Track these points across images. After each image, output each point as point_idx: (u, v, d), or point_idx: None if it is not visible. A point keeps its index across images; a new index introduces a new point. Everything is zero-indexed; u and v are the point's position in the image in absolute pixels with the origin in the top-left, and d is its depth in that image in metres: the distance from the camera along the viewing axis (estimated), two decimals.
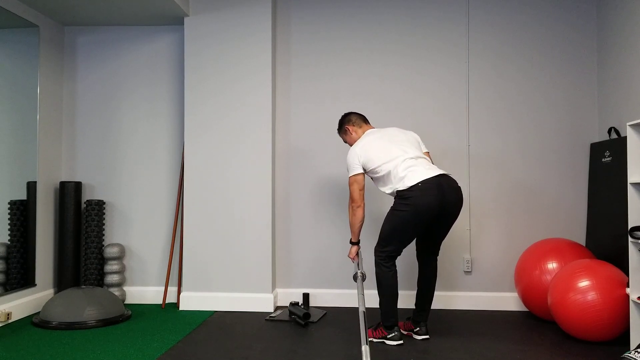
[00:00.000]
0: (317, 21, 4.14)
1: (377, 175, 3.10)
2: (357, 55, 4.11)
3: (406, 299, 3.97)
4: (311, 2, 4.15)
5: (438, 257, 3.35)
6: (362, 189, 3.12)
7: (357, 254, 3.27)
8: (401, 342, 3.06)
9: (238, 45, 4.00)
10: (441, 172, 3.00)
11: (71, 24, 4.27)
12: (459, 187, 3.06)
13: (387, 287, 3.07)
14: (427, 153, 3.26)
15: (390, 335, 3.07)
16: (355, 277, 3.04)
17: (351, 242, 3.26)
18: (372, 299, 3.96)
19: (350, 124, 3.33)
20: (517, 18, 4.04)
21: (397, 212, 2.98)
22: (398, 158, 3.03)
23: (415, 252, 3.29)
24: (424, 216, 2.93)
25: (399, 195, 2.98)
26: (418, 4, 4.09)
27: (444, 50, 4.07)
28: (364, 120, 3.36)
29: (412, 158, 3.03)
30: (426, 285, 3.21)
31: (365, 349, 2.36)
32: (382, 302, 3.08)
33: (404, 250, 3.16)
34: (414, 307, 3.29)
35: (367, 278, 3.94)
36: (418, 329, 3.18)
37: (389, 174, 3.04)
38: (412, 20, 4.09)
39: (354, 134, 3.32)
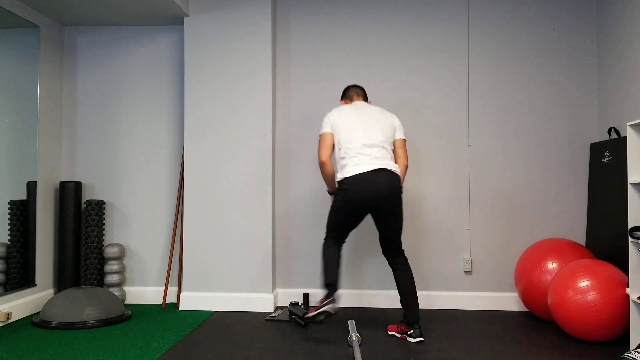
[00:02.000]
0: (317, 21, 4.14)
1: (338, 151, 3.17)
2: (357, 55, 4.11)
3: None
4: (311, 2, 4.15)
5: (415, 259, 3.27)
6: (328, 147, 3.19)
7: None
8: (333, 306, 3.01)
9: (238, 45, 4.00)
10: (381, 166, 3.04)
11: (71, 24, 4.27)
12: (397, 185, 3.06)
13: (326, 255, 3.15)
14: (403, 141, 3.26)
15: (326, 301, 3.05)
16: (350, 340, 3.01)
17: (329, 192, 3.36)
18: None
19: (345, 98, 3.43)
20: (517, 18, 4.04)
21: (334, 202, 3.15)
22: (356, 141, 3.10)
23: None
24: (354, 207, 3.06)
25: (338, 184, 3.13)
26: (418, 4, 4.09)
27: (444, 51, 4.07)
28: (359, 94, 3.39)
29: (366, 145, 3.09)
30: (402, 285, 3.17)
31: None
32: (322, 267, 3.15)
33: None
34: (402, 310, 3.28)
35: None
36: (412, 331, 3.15)
37: (341, 159, 3.13)
38: (412, 21, 4.09)
39: (339, 102, 3.44)
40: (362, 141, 3.10)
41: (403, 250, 3.24)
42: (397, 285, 3.19)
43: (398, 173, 3.11)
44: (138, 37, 4.28)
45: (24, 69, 3.78)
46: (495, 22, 4.05)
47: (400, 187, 3.10)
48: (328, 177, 3.23)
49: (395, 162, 3.24)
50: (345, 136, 3.14)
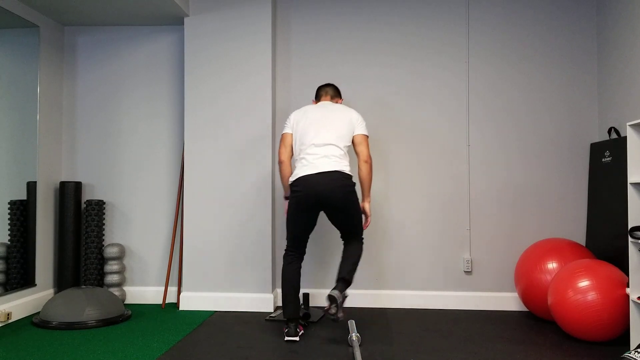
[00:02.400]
0: (317, 21, 4.14)
1: (294, 148, 3.24)
2: (357, 56, 4.11)
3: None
4: (311, 2, 4.15)
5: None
6: (287, 146, 3.27)
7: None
8: (295, 338, 3.10)
9: (238, 45, 4.00)
10: (325, 169, 3.06)
11: (71, 24, 4.27)
12: (342, 184, 3.06)
13: (284, 280, 3.17)
14: (362, 137, 3.22)
15: (286, 330, 3.13)
16: (350, 340, 3.02)
17: (285, 198, 3.39)
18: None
19: (315, 98, 3.49)
20: (517, 18, 4.04)
21: (288, 206, 3.19)
22: (306, 143, 3.16)
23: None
24: (303, 209, 3.11)
25: (290, 186, 3.19)
26: (418, 5, 4.09)
27: (444, 51, 4.07)
28: (327, 93, 3.42)
29: (315, 145, 3.14)
30: (345, 255, 3.19)
31: None
32: (282, 294, 3.18)
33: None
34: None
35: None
36: (334, 288, 3.07)
37: (295, 160, 3.22)
38: (412, 21, 4.09)
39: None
40: (312, 141, 3.15)
41: (362, 238, 3.27)
42: (343, 253, 3.23)
43: (345, 172, 3.11)
44: (138, 37, 4.28)
45: (24, 69, 3.78)
46: (495, 22, 4.05)
47: (348, 185, 3.08)
48: (283, 178, 3.30)
49: (358, 158, 3.23)
50: (299, 137, 3.21)
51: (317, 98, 3.47)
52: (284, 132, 3.31)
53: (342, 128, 3.20)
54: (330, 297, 2.98)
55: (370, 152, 4.07)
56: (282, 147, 3.29)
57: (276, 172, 4.12)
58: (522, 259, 3.64)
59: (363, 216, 3.34)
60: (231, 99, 3.99)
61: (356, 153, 3.26)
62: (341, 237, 3.29)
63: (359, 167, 3.24)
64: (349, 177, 3.12)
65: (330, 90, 3.44)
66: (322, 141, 3.14)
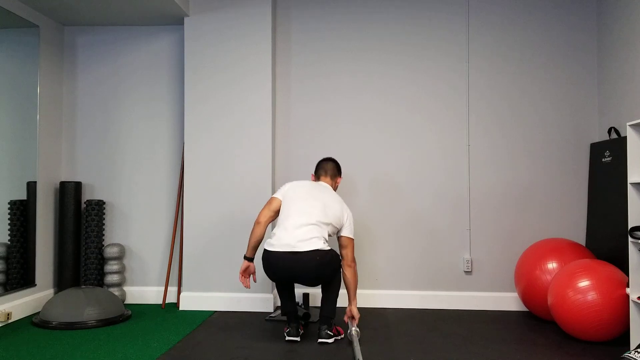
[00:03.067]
0: (317, 21, 4.14)
1: (279, 216, 3.18)
2: (357, 55, 4.11)
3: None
4: (311, 2, 4.15)
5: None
6: (271, 211, 3.18)
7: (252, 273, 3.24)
8: (295, 338, 3.12)
9: (238, 45, 4.00)
10: (298, 249, 2.96)
11: (71, 24, 4.27)
12: (316, 263, 2.96)
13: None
14: (349, 240, 3.15)
15: (287, 330, 3.15)
16: (350, 335, 3.03)
17: (245, 257, 3.22)
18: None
19: (315, 174, 3.42)
20: (517, 18, 4.04)
21: (263, 265, 3.09)
22: (288, 217, 3.08)
23: None
24: (276, 278, 3.08)
25: (263, 252, 3.09)
26: (418, 4, 4.09)
27: (444, 50, 4.07)
28: (326, 172, 3.35)
29: (296, 224, 3.04)
30: (325, 289, 3.15)
31: None
32: (278, 292, 3.23)
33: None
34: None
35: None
36: (319, 331, 3.11)
37: (278, 224, 3.12)
38: (413, 20, 4.09)
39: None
40: (294, 217, 3.05)
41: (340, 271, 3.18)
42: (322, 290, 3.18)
43: (320, 248, 2.98)
44: (138, 37, 4.28)
45: (24, 69, 3.78)
46: (495, 21, 4.05)
47: (322, 261, 2.98)
48: (252, 238, 3.16)
49: (342, 261, 3.14)
50: (285, 210, 3.14)
51: (317, 175, 3.38)
52: (274, 196, 3.23)
53: (328, 218, 3.09)
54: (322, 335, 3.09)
55: (370, 152, 4.07)
56: (265, 209, 3.19)
57: (277, 172, 4.12)
58: (522, 259, 3.64)
59: (349, 320, 3.19)
60: (231, 99, 3.99)
61: (340, 255, 3.16)
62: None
63: (343, 271, 3.14)
64: (324, 251, 3.01)
65: (330, 170, 3.36)
66: (304, 221, 3.03)
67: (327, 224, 3.10)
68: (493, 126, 4.03)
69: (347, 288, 3.16)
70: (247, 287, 3.20)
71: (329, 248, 3.05)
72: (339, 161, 4.08)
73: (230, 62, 4.00)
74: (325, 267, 3.01)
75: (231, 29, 4.01)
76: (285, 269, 2.99)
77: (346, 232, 3.18)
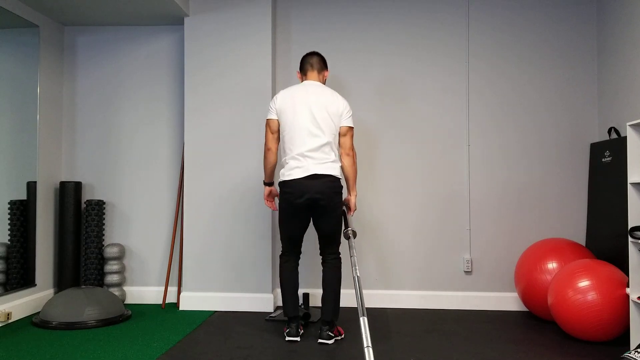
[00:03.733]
0: (317, 21, 4.14)
1: (281, 137, 3.16)
2: (357, 56, 4.11)
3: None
4: (311, 2, 4.15)
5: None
6: (274, 133, 3.16)
7: (272, 195, 3.32)
8: (296, 338, 3.13)
9: (238, 45, 4.00)
10: (317, 172, 3.00)
11: (71, 24, 4.27)
12: (329, 188, 3.01)
13: (282, 280, 3.19)
14: (348, 129, 3.12)
15: (287, 331, 3.14)
16: (346, 235, 3.02)
17: (264, 183, 3.32)
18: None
19: (300, 70, 3.29)
20: (517, 19, 4.04)
21: (279, 208, 3.15)
22: (298, 140, 3.05)
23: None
24: (294, 211, 3.07)
25: (280, 185, 3.12)
26: (418, 5, 4.09)
27: (445, 51, 4.07)
28: (313, 67, 3.22)
29: (308, 149, 3.03)
30: (325, 285, 3.15)
31: (368, 351, 2.33)
32: (282, 294, 3.21)
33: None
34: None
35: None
36: (320, 331, 3.11)
37: (285, 155, 3.12)
38: (413, 21, 4.09)
39: (299, 81, 3.43)
40: (305, 140, 3.04)
41: (338, 253, 3.20)
42: (322, 282, 3.17)
43: (335, 175, 3.04)
44: (138, 37, 4.28)
45: (24, 69, 3.78)
46: (495, 22, 4.05)
47: (334, 190, 3.03)
48: (267, 166, 3.20)
49: (341, 148, 3.15)
50: (288, 130, 3.09)
51: (303, 71, 3.25)
52: (269, 117, 3.15)
53: (334, 119, 3.08)
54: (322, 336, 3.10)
55: (371, 151, 4.08)
56: (269, 134, 3.15)
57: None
58: (522, 259, 3.64)
59: (345, 208, 3.25)
60: (231, 99, 3.99)
61: (339, 143, 3.15)
62: (320, 248, 3.22)
63: (341, 159, 3.15)
64: (337, 179, 3.06)
65: (316, 64, 3.22)
66: (315, 144, 3.03)
67: (333, 133, 3.10)
68: (493, 126, 4.03)
69: (346, 178, 3.16)
70: (275, 209, 3.33)
71: (340, 177, 3.09)
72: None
73: (230, 62, 4.00)
74: (338, 194, 3.05)
75: (231, 29, 4.01)
76: (306, 195, 2.99)
77: (345, 122, 3.14)
